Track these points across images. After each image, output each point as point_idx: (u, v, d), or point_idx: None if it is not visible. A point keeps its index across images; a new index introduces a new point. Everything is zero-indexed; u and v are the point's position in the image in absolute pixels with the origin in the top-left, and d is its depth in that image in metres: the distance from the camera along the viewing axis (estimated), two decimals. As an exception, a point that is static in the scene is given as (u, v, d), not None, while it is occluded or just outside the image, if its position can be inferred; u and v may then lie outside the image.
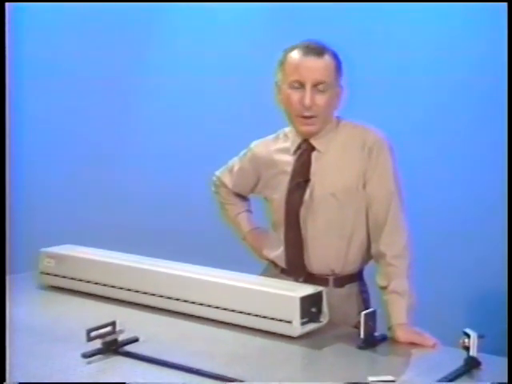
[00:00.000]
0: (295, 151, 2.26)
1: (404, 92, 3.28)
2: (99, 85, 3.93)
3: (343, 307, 2.22)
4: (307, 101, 2.13)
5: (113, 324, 1.88)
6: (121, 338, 1.90)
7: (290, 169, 2.25)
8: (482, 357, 1.83)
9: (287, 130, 2.30)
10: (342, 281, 2.25)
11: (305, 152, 2.25)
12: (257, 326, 2.07)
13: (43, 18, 4.05)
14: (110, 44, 3.92)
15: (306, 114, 2.16)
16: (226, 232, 2.59)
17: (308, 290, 2.07)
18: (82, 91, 3.98)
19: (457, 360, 1.83)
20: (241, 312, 2.09)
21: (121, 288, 2.31)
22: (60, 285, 2.45)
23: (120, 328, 1.89)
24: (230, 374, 1.75)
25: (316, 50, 2.15)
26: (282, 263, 2.30)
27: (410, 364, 1.93)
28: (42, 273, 2.48)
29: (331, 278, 2.24)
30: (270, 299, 2.06)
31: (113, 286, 2.33)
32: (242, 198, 2.52)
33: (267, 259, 2.37)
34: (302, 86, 2.14)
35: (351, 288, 2.28)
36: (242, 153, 2.43)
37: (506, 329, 2.37)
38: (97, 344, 1.85)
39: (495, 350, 1.89)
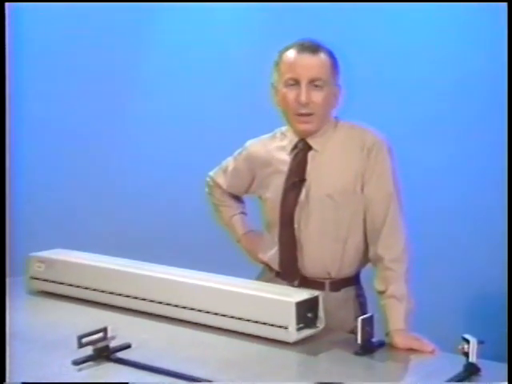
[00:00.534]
0: (292, 150, 2.26)
1: (403, 93, 3.29)
2: (96, 86, 3.96)
3: (340, 312, 2.22)
4: (303, 97, 2.14)
5: (104, 330, 1.87)
6: (112, 344, 1.89)
7: (285, 168, 2.26)
8: (481, 363, 1.83)
9: (284, 128, 2.31)
10: (338, 284, 2.26)
11: (301, 151, 2.25)
12: (251, 332, 2.06)
13: (43, 18, 4.07)
14: (108, 44, 3.93)
15: (303, 111, 2.17)
16: (220, 235, 2.59)
17: (304, 294, 2.07)
18: (80, 93, 4.01)
19: (456, 366, 1.83)
20: (235, 317, 2.09)
21: (113, 293, 2.31)
22: (50, 290, 2.45)
23: (112, 334, 1.89)
24: (224, 381, 1.75)
25: (311, 47, 2.17)
26: (276, 265, 2.30)
27: (408, 370, 1.93)
28: (32, 278, 2.48)
29: (327, 282, 2.24)
30: (265, 304, 2.06)
31: (104, 291, 2.33)
32: (237, 199, 2.52)
33: (262, 262, 2.38)
34: (297, 83, 2.15)
35: (348, 292, 2.28)
36: (236, 152, 2.43)
37: (506, 334, 2.37)
38: (88, 351, 1.85)
39: (495, 355, 1.89)
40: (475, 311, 3.19)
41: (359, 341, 1.95)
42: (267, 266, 2.35)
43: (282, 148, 2.29)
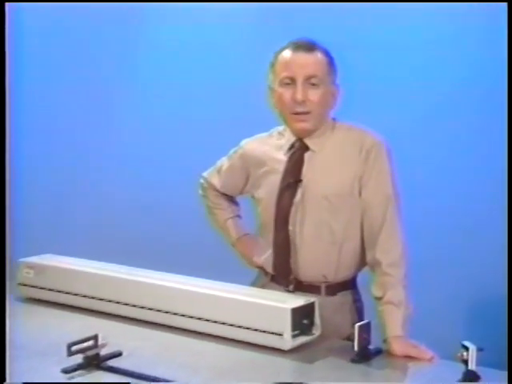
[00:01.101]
0: (288, 150, 2.27)
1: (403, 93, 3.29)
2: (95, 90, 3.99)
3: (336, 316, 2.22)
4: (299, 95, 2.15)
5: (95, 338, 1.87)
6: (103, 352, 1.89)
7: (281, 167, 2.26)
8: (481, 370, 1.83)
9: (282, 128, 2.31)
10: (334, 288, 2.26)
11: (298, 151, 2.25)
12: (246, 339, 2.06)
13: (43, 18, 4.08)
14: (102, 45, 3.96)
15: (299, 109, 2.17)
16: (214, 240, 2.59)
17: (299, 301, 2.07)
18: (79, 97, 4.04)
19: (455, 374, 1.83)
20: (229, 324, 2.09)
21: (103, 300, 2.31)
22: (39, 296, 2.44)
23: (102, 342, 1.88)
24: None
25: (306, 45, 2.18)
26: (270, 268, 2.30)
27: (406, 378, 1.93)
28: (21, 284, 2.48)
29: (323, 286, 2.24)
30: (260, 310, 2.06)
31: (95, 298, 2.33)
32: (231, 201, 2.52)
33: (257, 266, 2.38)
34: (293, 81, 2.16)
35: (344, 296, 2.28)
36: (231, 151, 2.43)
37: (506, 341, 2.37)
38: (78, 359, 1.84)
39: (495, 363, 1.89)
40: (474, 318, 3.19)
41: (356, 348, 1.95)
42: (262, 270, 2.35)
43: (279, 147, 2.29)
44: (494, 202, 3.09)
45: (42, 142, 4.16)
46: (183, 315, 2.17)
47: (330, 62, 2.21)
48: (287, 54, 2.19)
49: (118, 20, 3.92)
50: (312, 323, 2.07)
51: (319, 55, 2.18)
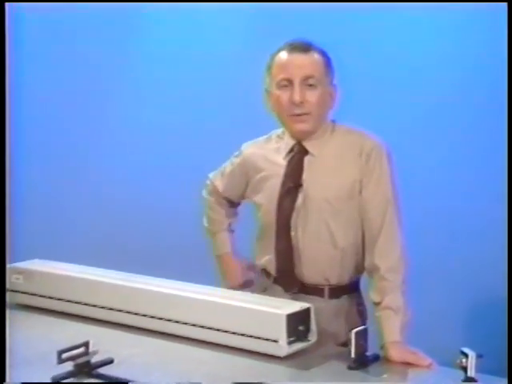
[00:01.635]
0: (287, 154, 2.27)
1: (403, 93, 3.30)
2: (93, 93, 4.01)
3: (339, 319, 2.24)
4: (297, 97, 2.15)
5: (86, 345, 1.86)
6: (94, 359, 1.88)
7: (280, 172, 2.27)
8: (480, 377, 1.83)
9: (280, 131, 2.32)
10: (337, 291, 2.27)
11: (297, 155, 2.26)
12: (241, 346, 2.06)
13: (43, 18, 4.09)
14: (101, 47, 3.97)
15: (297, 111, 2.18)
16: (211, 245, 2.59)
17: (295, 306, 2.07)
18: (79, 99, 4.06)
19: (454, 381, 1.84)
20: (224, 330, 2.09)
21: (94, 306, 2.31)
22: (29, 303, 2.44)
23: (93, 349, 1.88)
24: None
25: (302, 46, 2.19)
26: (273, 271, 2.31)
27: (404, 385, 1.94)
28: (9, 290, 2.47)
29: (327, 288, 2.26)
30: (255, 317, 2.06)
31: (86, 304, 2.33)
32: (231, 212, 2.52)
33: (231, 288, 2.37)
34: (290, 83, 2.17)
35: (348, 299, 2.29)
36: (233, 155, 2.45)
37: (506, 348, 2.37)
38: (68, 366, 1.84)
39: (494, 370, 1.89)
40: (474, 324, 3.19)
41: (353, 354, 1.95)
42: (264, 272, 2.36)
43: (278, 150, 2.30)
44: (494, 204, 3.10)
45: (42, 142, 4.18)
46: (177, 321, 2.16)
47: (327, 62, 2.22)
48: (283, 55, 2.20)
49: (117, 20, 3.94)
50: (308, 329, 2.07)
51: (316, 56, 2.19)
